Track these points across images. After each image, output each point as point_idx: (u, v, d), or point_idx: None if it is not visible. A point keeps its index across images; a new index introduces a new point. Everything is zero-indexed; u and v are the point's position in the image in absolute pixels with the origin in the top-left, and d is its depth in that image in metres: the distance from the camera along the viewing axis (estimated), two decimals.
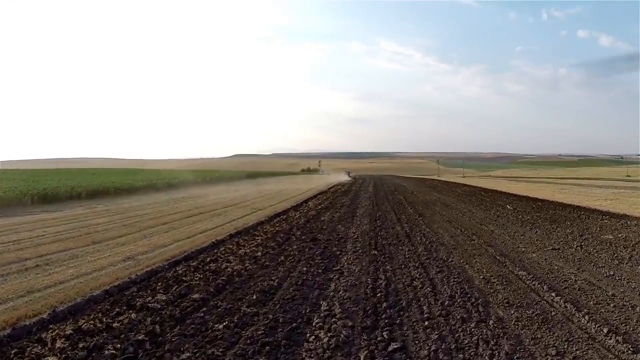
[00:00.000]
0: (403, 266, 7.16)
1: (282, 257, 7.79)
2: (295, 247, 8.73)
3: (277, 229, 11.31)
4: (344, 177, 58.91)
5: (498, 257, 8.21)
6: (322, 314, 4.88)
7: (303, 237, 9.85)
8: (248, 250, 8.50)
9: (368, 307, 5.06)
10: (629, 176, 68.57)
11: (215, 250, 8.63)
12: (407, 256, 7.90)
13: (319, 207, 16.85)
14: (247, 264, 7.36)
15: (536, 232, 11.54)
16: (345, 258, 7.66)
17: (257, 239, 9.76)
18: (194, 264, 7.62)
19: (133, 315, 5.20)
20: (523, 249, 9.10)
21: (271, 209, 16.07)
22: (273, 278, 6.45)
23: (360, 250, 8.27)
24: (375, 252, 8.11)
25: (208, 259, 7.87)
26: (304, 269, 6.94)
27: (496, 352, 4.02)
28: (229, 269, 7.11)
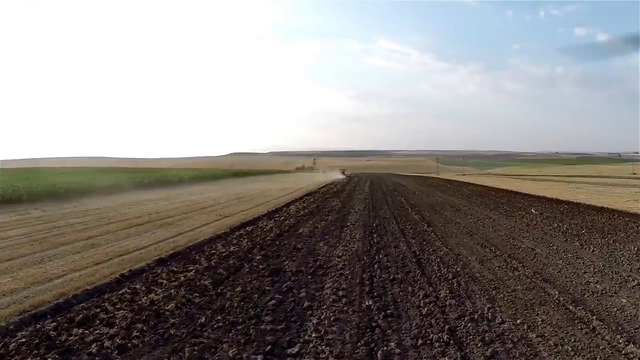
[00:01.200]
0: (420, 340, 3.85)
1: (206, 316, 4.46)
2: (239, 289, 5.39)
3: (231, 249, 7.98)
4: (338, 176, 55.52)
5: (571, 308, 4.97)
6: None
7: (261, 267, 6.52)
8: (160, 297, 5.17)
9: None
10: (635, 174, 65.92)
11: (108, 296, 5.30)
12: (424, 312, 4.59)
13: (302, 212, 13.53)
14: (135, 334, 4.05)
15: (592, 250, 8.33)
16: (315, 320, 4.32)
17: (191, 271, 6.42)
18: (48, 327, 4.32)
19: None
20: (598, 287, 5.85)
21: (241, 216, 12.74)
22: None
23: (344, 299, 4.94)
24: (371, 303, 4.79)
25: (80, 317, 4.55)
26: (232, 351, 3.62)
27: None
28: (94, 346, 3.79)
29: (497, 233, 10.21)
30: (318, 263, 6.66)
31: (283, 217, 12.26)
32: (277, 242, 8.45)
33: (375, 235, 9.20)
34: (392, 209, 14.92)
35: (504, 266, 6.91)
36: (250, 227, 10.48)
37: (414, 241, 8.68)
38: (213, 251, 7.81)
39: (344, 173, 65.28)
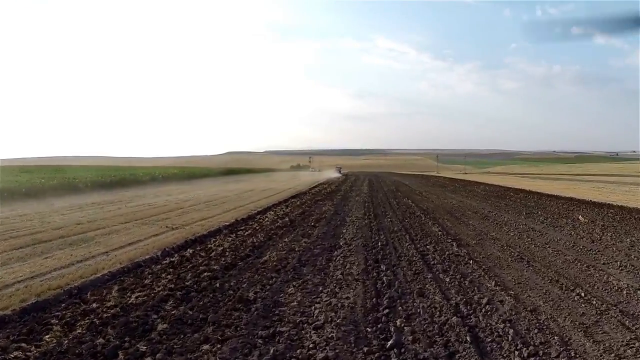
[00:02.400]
0: None
1: None
2: None
3: (131, 299, 4.53)
4: (333, 174, 51.92)
5: None
6: None
7: None
8: None
9: None
10: None
11: None
12: None
13: (279, 222, 10.06)
14: None
15: None
16: None
17: None
18: None
19: None
20: None
21: (194, 228, 9.28)
22: None
23: None
24: None
25: None
26: None
27: None
28: None
29: (561, 257, 6.83)
30: (272, 351, 3.20)
31: (250, 231, 8.77)
32: (218, 284, 4.99)
33: (383, 267, 5.74)
34: (401, 216, 11.48)
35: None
36: (194, 249, 7.01)
37: (448, 279, 5.25)
38: (94, 305, 4.36)
39: (340, 171, 61.65)
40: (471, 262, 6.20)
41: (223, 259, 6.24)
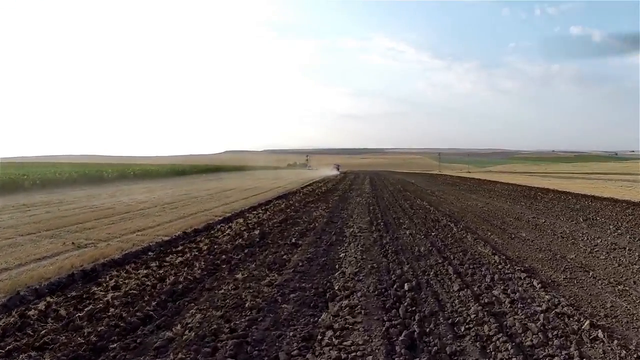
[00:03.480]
0: None
1: None
2: None
3: None
4: (331, 172, 48.56)
5: None
6: None
7: None
8: None
9: None
10: None
11: None
12: None
13: (243, 237, 6.77)
14: None
15: None
16: None
17: None
18: None
19: None
20: None
21: (112, 246, 6.04)
22: None
23: None
24: None
25: None
26: None
27: None
28: None
29: None
30: None
31: (188, 255, 5.48)
32: None
33: None
34: (422, 226, 8.21)
35: None
36: (65, 296, 3.76)
37: None
38: None
39: (338, 169, 58.31)
40: (600, 334, 2.99)
41: (88, 329, 3.01)
